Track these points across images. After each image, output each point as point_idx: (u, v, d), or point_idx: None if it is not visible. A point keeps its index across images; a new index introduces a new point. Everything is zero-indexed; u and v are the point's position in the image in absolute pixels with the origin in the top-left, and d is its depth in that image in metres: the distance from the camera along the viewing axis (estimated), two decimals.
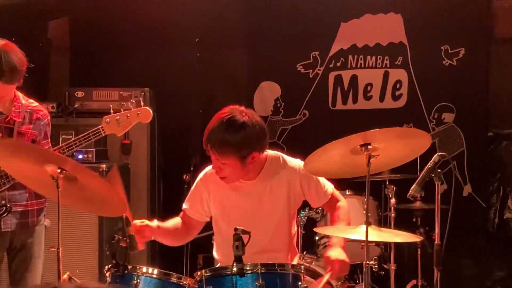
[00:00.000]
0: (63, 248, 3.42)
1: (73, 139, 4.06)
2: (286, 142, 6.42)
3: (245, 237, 2.99)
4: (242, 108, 3.50)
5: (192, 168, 5.93)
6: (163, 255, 6.01)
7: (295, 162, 3.66)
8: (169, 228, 3.70)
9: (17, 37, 5.65)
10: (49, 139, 4.32)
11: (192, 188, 3.78)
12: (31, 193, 4.24)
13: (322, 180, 3.67)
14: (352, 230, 3.44)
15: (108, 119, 4.05)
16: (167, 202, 6.29)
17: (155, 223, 3.57)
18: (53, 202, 5.06)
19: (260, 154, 3.51)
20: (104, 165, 5.42)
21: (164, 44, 6.57)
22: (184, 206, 3.78)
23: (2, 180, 4.07)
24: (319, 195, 3.67)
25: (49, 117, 4.35)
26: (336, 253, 3.47)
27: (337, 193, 3.76)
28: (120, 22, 6.54)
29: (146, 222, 3.52)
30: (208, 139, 3.43)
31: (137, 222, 3.49)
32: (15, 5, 5.47)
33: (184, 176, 5.90)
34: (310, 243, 5.10)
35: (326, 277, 3.49)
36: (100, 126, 4.06)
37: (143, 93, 5.83)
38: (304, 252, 4.97)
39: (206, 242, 4.66)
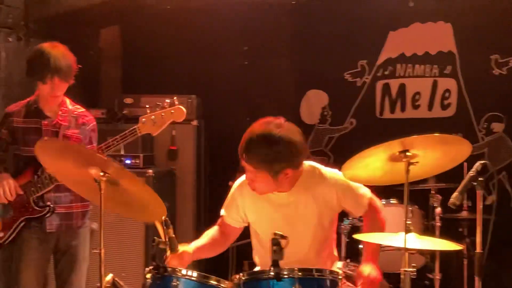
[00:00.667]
0: (110, 251, 3.50)
1: (111, 139, 4.16)
2: (333, 151, 6.44)
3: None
4: (281, 120, 3.48)
5: (238, 175, 5.98)
6: (208, 261, 6.06)
7: (331, 174, 3.62)
8: (206, 244, 3.72)
9: (69, 45, 5.82)
10: (94, 144, 4.42)
11: (229, 195, 3.83)
12: (76, 195, 4.34)
13: (360, 190, 3.65)
14: (392, 236, 3.44)
15: (144, 119, 4.13)
16: (212, 209, 6.30)
17: (192, 246, 3.61)
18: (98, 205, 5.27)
19: (294, 170, 3.49)
20: (151, 170, 5.52)
21: (212, 52, 6.67)
22: (222, 212, 3.83)
23: (46, 181, 4.20)
24: (357, 206, 3.67)
25: (95, 123, 4.48)
26: (368, 269, 3.48)
27: (375, 202, 3.73)
28: (170, 31, 6.67)
29: (183, 249, 3.53)
30: (243, 151, 3.45)
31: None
32: (68, 14, 5.63)
33: (230, 183, 5.92)
34: (354, 251, 5.11)
35: None
36: (136, 126, 4.14)
37: (190, 100, 5.92)
38: (348, 260, 4.99)
39: (251, 248, 4.70)
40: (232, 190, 3.79)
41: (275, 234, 3.07)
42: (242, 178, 3.73)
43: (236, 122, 6.56)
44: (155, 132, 4.18)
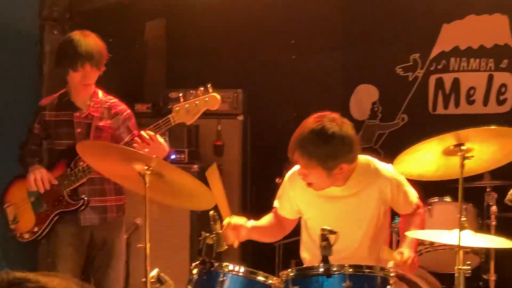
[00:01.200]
0: (154, 246, 3.50)
1: (146, 129, 4.15)
2: (383, 148, 6.39)
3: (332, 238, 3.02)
4: (334, 115, 3.45)
5: (284, 172, 5.96)
6: (255, 260, 6.08)
7: (386, 169, 3.61)
8: (264, 226, 3.76)
9: (115, 38, 5.89)
10: (135, 132, 4.36)
11: (280, 187, 3.84)
12: (110, 189, 4.37)
13: (409, 189, 3.65)
14: (445, 234, 3.40)
15: (177, 108, 4.12)
16: (258, 205, 6.35)
17: (250, 223, 3.63)
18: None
19: (349, 165, 3.47)
20: (196, 166, 5.56)
21: (258, 45, 6.68)
22: (275, 204, 3.84)
23: (80, 174, 4.23)
24: (406, 204, 3.66)
25: (128, 111, 4.45)
26: (407, 251, 3.48)
27: (420, 203, 3.74)
28: (216, 24, 6.69)
29: (241, 222, 3.58)
30: (295, 148, 3.44)
31: (233, 221, 3.57)
32: (113, 7, 5.68)
33: (276, 179, 5.94)
34: None
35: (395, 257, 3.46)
36: (170, 115, 4.14)
37: (235, 94, 5.93)
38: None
39: (299, 247, 4.69)
40: (284, 181, 3.80)
41: (323, 229, 3.06)
42: (294, 169, 3.73)
43: (283, 118, 6.60)
44: (189, 121, 4.15)
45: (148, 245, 3.46)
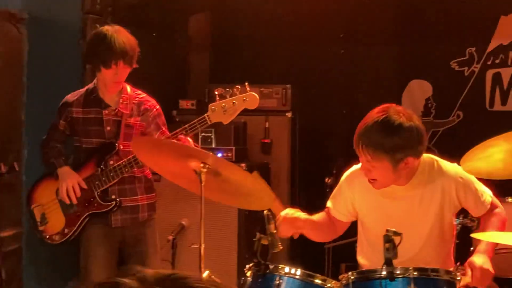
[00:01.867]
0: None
1: (179, 128, 4.14)
2: (438, 145, 6.28)
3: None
4: (400, 107, 3.41)
5: (334, 171, 5.91)
6: (303, 263, 6.01)
7: (452, 168, 3.52)
8: (317, 222, 3.70)
9: (158, 32, 5.88)
10: (164, 128, 4.37)
11: (337, 187, 3.77)
12: (141, 187, 4.36)
13: (480, 187, 3.54)
14: (507, 235, 3.31)
15: (213, 107, 4.09)
16: (307, 206, 6.26)
17: (303, 215, 3.58)
18: (192, 199, 5.29)
19: (415, 159, 3.41)
20: (243, 164, 5.51)
21: (306, 39, 6.60)
22: (328, 204, 3.77)
23: (111, 174, 4.21)
24: (477, 204, 3.55)
25: (158, 107, 4.42)
26: (481, 260, 3.34)
27: (496, 201, 3.62)
28: (262, 17, 6.64)
29: (297, 213, 3.53)
30: (360, 139, 3.36)
31: (289, 212, 3.52)
32: (156, 0, 5.67)
33: (326, 179, 5.89)
34: (465, 254, 4.95)
35: (466, 280, 3.36)
36: (205, 115, 4.11)
37: (284, 90, 5.88)
38: (458, 264, 4.83)
39: (350, 250, 4.62)
40: (341, 181, 3.72)
41: (387, 230, 2.99)
42: (352, 169, 3.67)
43: (332, 114, 6.55)
44: (226, 120, 4.14)
45: (202, 246, 3.44)
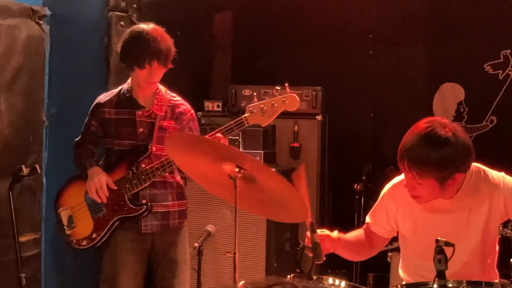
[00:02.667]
0: (230, 256, 3.42)
1: (215, 131, 4.08)
2: None
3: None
4: (445, 121, 3.29)
5: (364, 178, 5.86)
6: (332, 273, 5.96)
7: (498, 176, 3.41)
8: (351, 241, 3.62)
9: (182, 31, 5.81)
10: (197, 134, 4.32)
11: (377, 201, 3.68)
12: (173, 193, 4.29)
13: None
14: None
15: (252, 108, 4.03)
16: (336, 213, 6.26)
17: (335, 234, 3.50)
18: (219, 205, 5.23)
19: (463, 174, 3.30)
20: (273, 170, 5.45)
21: (333, 39, 6.55)
22: (368, 220, 3.68)
23: (143, 177, 4.15)
24: None
25: (192, 112, 4.38)
26: None
27: None
28: (288, 16, 6.58)
29: (327, 232, 3.46)
30: (404, 155, 3.26)
31: (318, 231, 3.44)
32: None
33: (355, 186, 5.83)
34: (505, 265, 4.87)
35: None
36: (243, 116, 4.05)
37: (314, 92, 5.81)
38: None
39: (379, 260, 4.54)
40: (382, 195, 3.63)
41: (438, 241, 2.91)
42: (393, 182, 3.57)
43: (360, 118, 6.49)
44: (264, 123, 4.08)
45: (237, 255, 3.36)
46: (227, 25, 6.96)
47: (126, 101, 4.25)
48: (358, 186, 5.82)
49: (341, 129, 6.37)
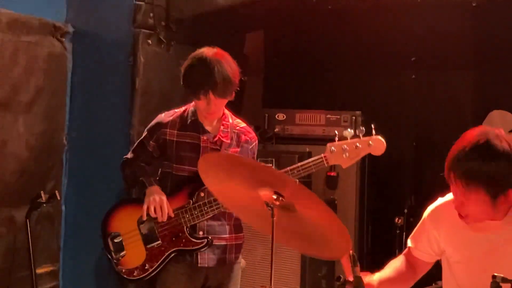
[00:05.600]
0: None
1: (289, 167, 4.05)
2: None
3: None
4: (499, 131, 3.21)
5: (405, 211, 5.79)
6: None
7: None
8: (393, 278, 3.54)
9: None
10: None
11: (419, 224, 3.61)
12: (230, 225, 4.24)
13: None
14: None
15: (333, 147, 4.01)
16: (375, 248, 6.17)
17: (375, 277, 3.43)
18: (251, 238, 5.17)
19: None
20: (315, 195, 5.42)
21: (374, 62, 6.57)
22: (409, 244, 3.62)
23: (206, 208, 4.11)
24: None
25: (257, 141, 4.37)
26: None
27: None
28: (323, 37, 6.62)
29: (366, 278, 3.38)
30: (452, 167, 3.21)
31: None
32: (215, 13, 5.58)
33: (396, 219, 5.76)
34: None
35: None
36: (323, 155, 4.03)
37: (354, 117, 5.77)
38: None
39: None
40: (424, 217, 3.56)
41: (495, 277, 2.84)
42: (437, 203, 3.49)
43: (402, 146, 6.42)
44: (346, 164, 4.09)
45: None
46: (259, 45, 6.96)
47: (191, 124, 4.21)
48: (400, 220, 5.74)
49: (381, 158, 6.28)
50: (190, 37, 5.50)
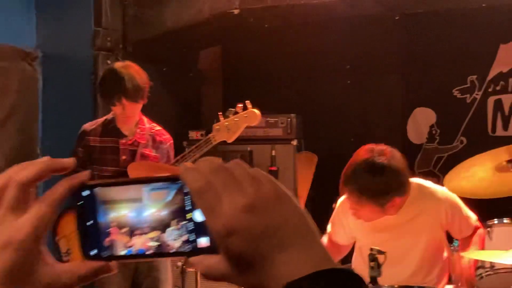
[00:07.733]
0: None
1: (187, 150, 4.18)
2: (442, 171, 6.26)
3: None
4: (383, 147, 3.37)
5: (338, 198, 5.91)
6: None
7: (440, 192, 3.51)
8: None
9: (168, 67, 5.97)
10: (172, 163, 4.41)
11: (333, 213, 3.79)
12: None
13: (466, 211, 3.53)
14: (504, 254, 3.31)
15: (217, 127, 4.12)
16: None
17: None
18: None
19: (402, 197, 3.38)
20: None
21: (313, 71, 6.68)
22: (328, 229, 3.79)
23: None
24: (462, 228, 3.54)
25: (171, 141, 4.51)
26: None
27: (479, 225, 3.63)
28: (270, 49, 6.72)
29: None
30: (346, 183, 3.38)
31: None
32: (167, 35, 5.75)
33: (334, 205, 5.88)
34: None
35: None
36: (210, 135, 4.14)
37: (289, 119, 5.92)
38: (459, 284, 4.81)
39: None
40: (336, 208, 3.74)
41: (371, 249, 3.01)
42: (345, 196, 3.67)
43: (340, 143, 6.55)
44: (230, 138, 4.16)
45: None
46: (213, 60, 7.10)
47: (110, 130, 4.37)
48: (335, 205, 5.86)
49: (321, 154, 6.44)
50: (146, 56, 5.66)
